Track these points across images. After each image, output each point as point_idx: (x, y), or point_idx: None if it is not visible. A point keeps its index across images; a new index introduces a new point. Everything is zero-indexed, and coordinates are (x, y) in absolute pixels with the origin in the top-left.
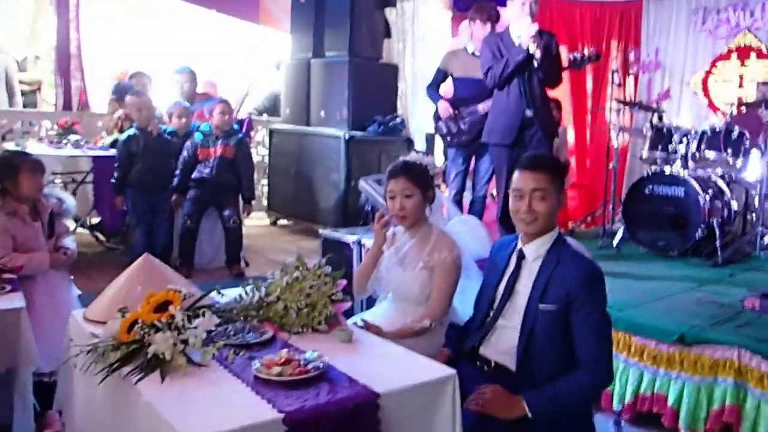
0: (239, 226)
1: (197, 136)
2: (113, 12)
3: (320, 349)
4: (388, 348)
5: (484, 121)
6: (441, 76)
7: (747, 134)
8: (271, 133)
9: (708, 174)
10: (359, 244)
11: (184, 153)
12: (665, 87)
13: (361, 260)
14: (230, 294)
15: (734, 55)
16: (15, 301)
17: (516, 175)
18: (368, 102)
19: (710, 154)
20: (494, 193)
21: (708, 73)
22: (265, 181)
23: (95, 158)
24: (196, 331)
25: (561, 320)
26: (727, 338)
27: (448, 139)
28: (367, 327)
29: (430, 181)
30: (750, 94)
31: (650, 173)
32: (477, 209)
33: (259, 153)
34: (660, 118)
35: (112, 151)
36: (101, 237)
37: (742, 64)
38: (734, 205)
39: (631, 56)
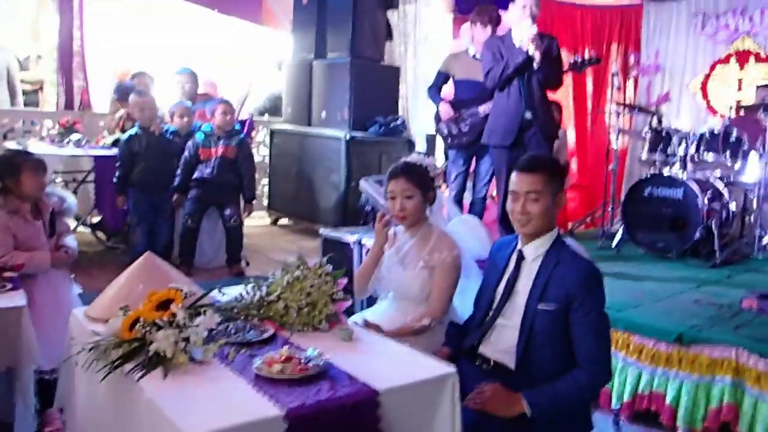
0: (240, 225)
1: (199, 136)
2: (115, 11)
3: (321, 347)
4: (388, 346)
5: (485, 123)
6: (442, 78)
7: (745, 137)
8: (272, 133)
9: (707, 176)
10: (359, 243)
11: (186, 153)
12: (665, 90)
13: (361, 260)
14: (231, 293)
15: (733, 59)
16: (16, 299)
17: (513, 176)
18: (369, 103)
19: (709, 157)
20: (494, 194)
21: (707, 76)
22: (265, 181)
23: (96, 158)
24: (198, 329)
25: (560, 320)
26: (724, 338)
27: (449, 140)
28: (368, 326)
29: (430, 182)
30: (748, 98)
31: (649, 175)
32: (477, 210)
33: (260, 153)
34: (659, 121)
35: (114, 151)
36: (102, 236)
37: (741, 68)
38: (732, 207)
39: (631, 59)
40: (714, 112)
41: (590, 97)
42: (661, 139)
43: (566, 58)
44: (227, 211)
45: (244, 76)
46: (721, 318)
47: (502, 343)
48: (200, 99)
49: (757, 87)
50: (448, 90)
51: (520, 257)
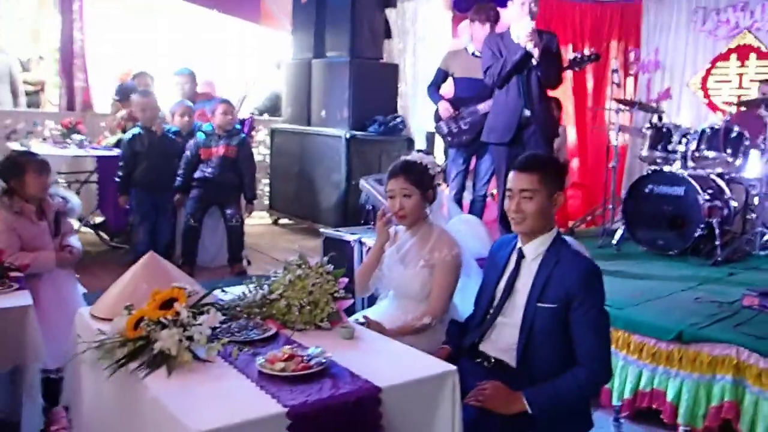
0: (241, 225)
1: (200, 136)
2: (115, 12)
3: (323, 345)
4: (389, 344)
5: (484, 121)
6: (441, 76)
7: (746, 133)
8: (273, 132)
9: (707, 173)
10: (360, 242)
11: (187, 152)
12: (665, 87)
13: (362, 259)
14: (233, 292)
15: (734, 56)
16: (22, 298)
17: (509, 174)
18: (369, 102)
19: (710, 154)
20: (494, 192)
21: (708, 72)
22: (266, 181)
23: (99, 158)
24: (201, 327)
25: (560, 318)
26: (725, 336)
27: (449, 139)
28: (369, 324)
29: (429, 181)
30: (749, 94)
31: (650, 173)
32: (477, 209)
33: (261, 153)
34: (659, 118)
35: (116, 151)
36: (105, 236)
37: (742, 64)
38: (734, 204)
39: (631, 56)
40: (715, 108)
41: (590, 95)
42: (661, 136)
43: (566, 55)
44: (228, 211)
45: (242, 75)
46: (721, 316)
47: (502, 341)
48: (200, 99)
49: (760, 83)
50: (447, 88)
51: (520, 256)
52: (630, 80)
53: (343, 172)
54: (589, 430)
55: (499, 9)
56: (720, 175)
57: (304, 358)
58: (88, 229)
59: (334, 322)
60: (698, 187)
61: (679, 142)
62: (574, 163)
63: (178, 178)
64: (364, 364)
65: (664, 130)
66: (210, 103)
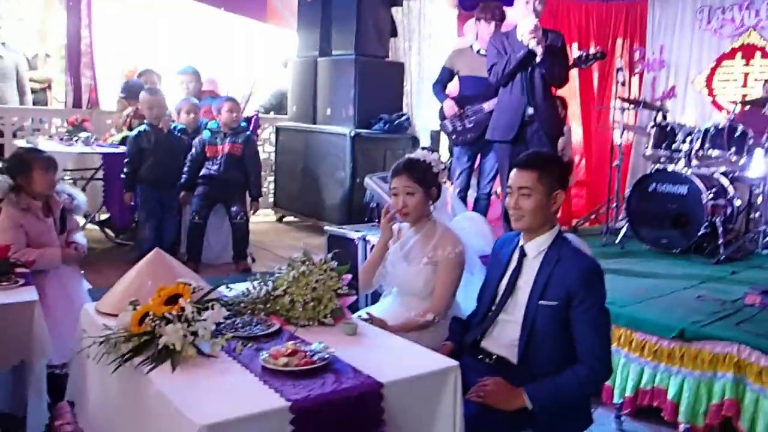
0: (246, 222)
1: (205, 134)
2: (122, 10)
3: (326, 341)
4: (391, 340)
5: (489, 120)
6: (447, 74)
7: (751, 132)
8: (278, 130)
9: (711, 172)
10: (364, 240)
11: (193, 150)
12: (669, 85)
13: (366, 256)
14: (238, 288)
15: (739, 54)
16: (28, 294)
17: (511, 172)
18: (374, 100)
19: (714, 152)
20: (498, 190)
21: (712, 71)
22: (271, 178)
23: (105, 155)
24: (206, 323)
25: (561, 316)
26: (727, 334)
27: (453, 137)
28: (372, 320)
29: (433, 179)
30: (754, 93)
31: (653, 171)
32: (481, 207)
33: (266, 150)
34: (664, 117)
35: (122, 149)
36: (110, 233)
37: (747, 63)
38: (737, 202)
39: (636, 55)
40: (719, 107)
41: (595, 93)
42: (665, 134)
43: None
44: (234, 208)
45: (249, 74)
46: (723, 314)
47: (504, 338)
48: (205, 96)
49: (765, 82)
50: (453, 86)
51: (522, 254)
52: (635, 79)
53: (347, 170)
54: (589, 426)
55: (504, 8)
56: (724, 174)
57: (307, 353)
58: (93, 226)
59: (338, 318)
60: (702, 186)
61: (684, 141)
62: (583, 162)
63: (184, 176)
64: (367, 360)
65: (669, 128)
66: (215, 100)
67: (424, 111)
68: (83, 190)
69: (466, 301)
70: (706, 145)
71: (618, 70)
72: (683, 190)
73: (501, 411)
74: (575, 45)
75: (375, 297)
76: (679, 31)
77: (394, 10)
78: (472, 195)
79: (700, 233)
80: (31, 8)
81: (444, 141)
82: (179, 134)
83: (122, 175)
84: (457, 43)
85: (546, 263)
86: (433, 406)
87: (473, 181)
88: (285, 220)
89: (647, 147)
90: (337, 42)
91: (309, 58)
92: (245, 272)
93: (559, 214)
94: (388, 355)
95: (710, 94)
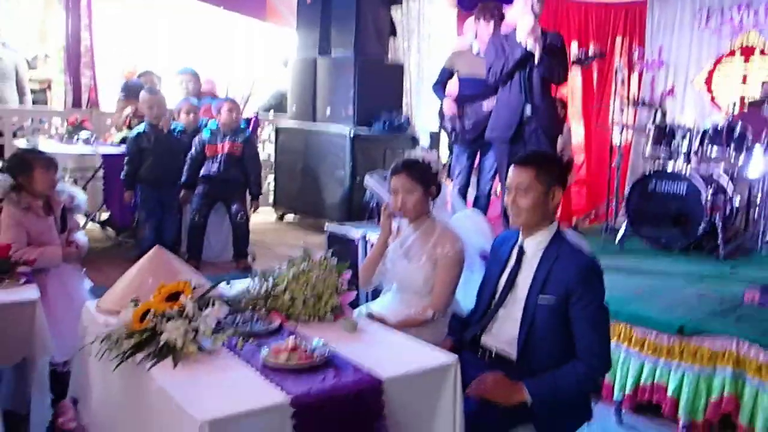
0: (246, 221)
1: (205, 133)
2: (121, 10)
3: (326, 337)
4: (391, 336)
5: (489, 119)
6: (446, 74)
7: (750, 132)
8: (278, 130)
9: (711, 171)
10: (364, 238)
11: (193, 150)
12: (669, 85)
13: (365, 255)
14: (239, 286)
15: (738, 54)
16: (29, 293)
17: (509, 170)
18: (374, 100)
19: (713, 152)
20: (498, 190)
21: (712, 71)
22: (271, 177)
23: (105, 155)
24: (207, 319)
25: (560, 312)
26: (726, 330)
27: (453, 136)
28: (372, 317)
29: (432, 178)
30: (753, 93)
31: (653, 170)
32: (481, 205)
33: (266, 150)
34: (663, 116)
35: (122, 149)
36: (111, 232)
37: (746, 63)
38: (737, 201)
39: (636, 54)
40: (718, 107)
41: (595, 93)
42: (665, 134)
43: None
44: (234, 207)
45: (249, 74)
46: (722, 310)
47: (503, 334)
48: (204, 97)
49: (763, 81)
50: (452, 86)
51: (521, 251)
52: (634, 78)
53: (347, 169)
54: (589, 421)
55: (504, 8)
56: (723, 173)
57: (308, 349)
58: (94, 225)
59: (338, 315)
60: (701, 185)
61: (683, 141)
62: (580, 161)
63: (184, 175)
64: (367, 356)
65: (668, 128)
66: (215, 100)
67: (424, 111)
68: (84, 189)
69: (466, 299)
70: (706, 144)
71: (617, 69)
72: (683, 188)
73: (501, 406)
74: (575, 45)
75: (375, 294)
76: (679, 30)
77: (393, 9)
78: (471, 194)
79: (699, 232)
80: (31, 8)
81: (444, 140)
82: (179, 134)
83: (122, 175)
84: (456, 43)
85: (545, 260)
86: (433, 402)
87: (473, 180)
88: (285, 218)
89: (646, 146)
90: (337, 41)
91: (308, 58)
92: (246, 271)
93: (559, 213)
94: (388, 351)
95: (709, 93)
